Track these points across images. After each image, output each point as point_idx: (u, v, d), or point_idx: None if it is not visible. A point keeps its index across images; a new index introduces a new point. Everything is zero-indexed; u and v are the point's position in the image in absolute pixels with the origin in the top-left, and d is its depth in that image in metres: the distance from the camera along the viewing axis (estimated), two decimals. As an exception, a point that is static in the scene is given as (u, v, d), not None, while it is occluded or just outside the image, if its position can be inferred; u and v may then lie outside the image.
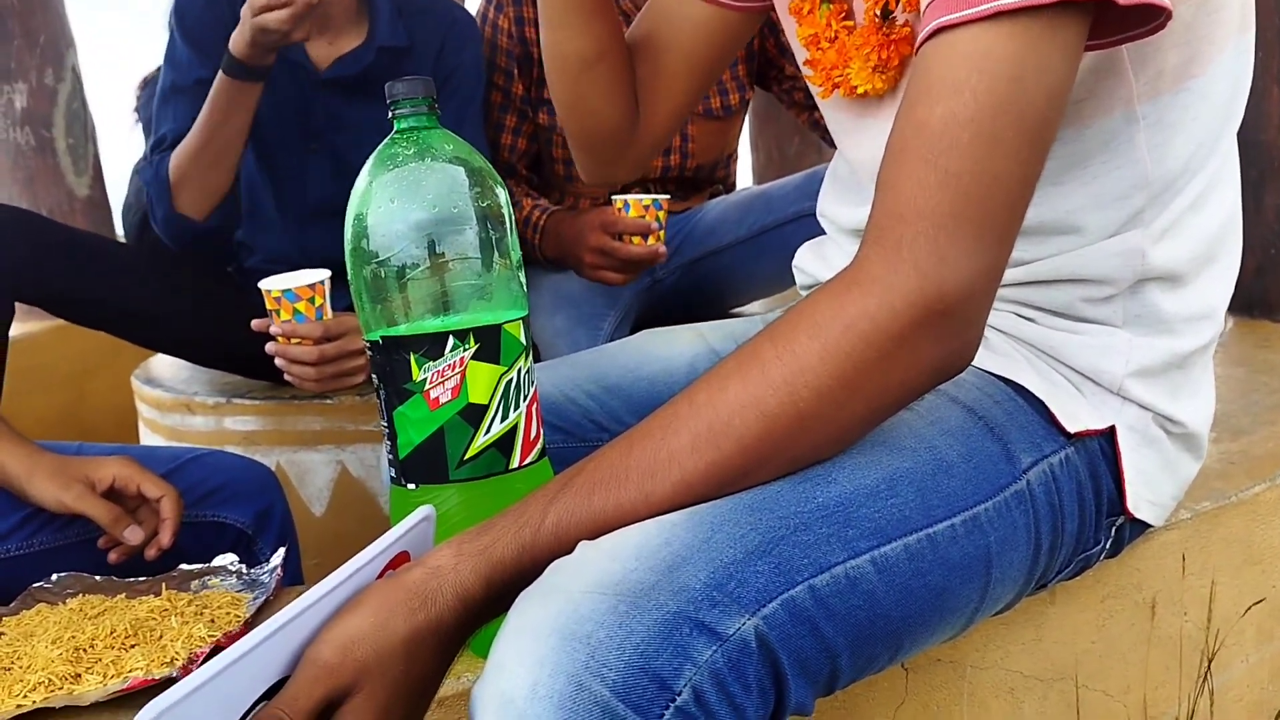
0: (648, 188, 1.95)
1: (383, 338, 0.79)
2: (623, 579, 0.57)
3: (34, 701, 0.81)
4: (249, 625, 0.92)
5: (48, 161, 2.80)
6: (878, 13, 0.79)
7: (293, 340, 1.45)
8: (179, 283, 1.71)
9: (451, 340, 0.78)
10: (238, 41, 1.48)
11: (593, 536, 0.62)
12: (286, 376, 1.51)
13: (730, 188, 2.09)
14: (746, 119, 2.08)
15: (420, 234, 0.77)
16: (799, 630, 0.60)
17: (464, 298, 0.79)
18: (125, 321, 1.68)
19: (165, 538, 1.09)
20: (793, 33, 0.89)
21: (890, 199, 0.61)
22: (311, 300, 1.42)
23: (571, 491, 0.63)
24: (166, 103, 1.67)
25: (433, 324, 0.79)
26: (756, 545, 0.60)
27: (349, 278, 0.81)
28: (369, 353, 0.81)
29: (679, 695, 0.55)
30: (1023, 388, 0.79)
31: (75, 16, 2.92)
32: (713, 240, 1.92)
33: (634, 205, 1.63)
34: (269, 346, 1.48)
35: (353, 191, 0.80)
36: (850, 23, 0.83)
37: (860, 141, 0.88)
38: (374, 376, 0.81)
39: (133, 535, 1.09)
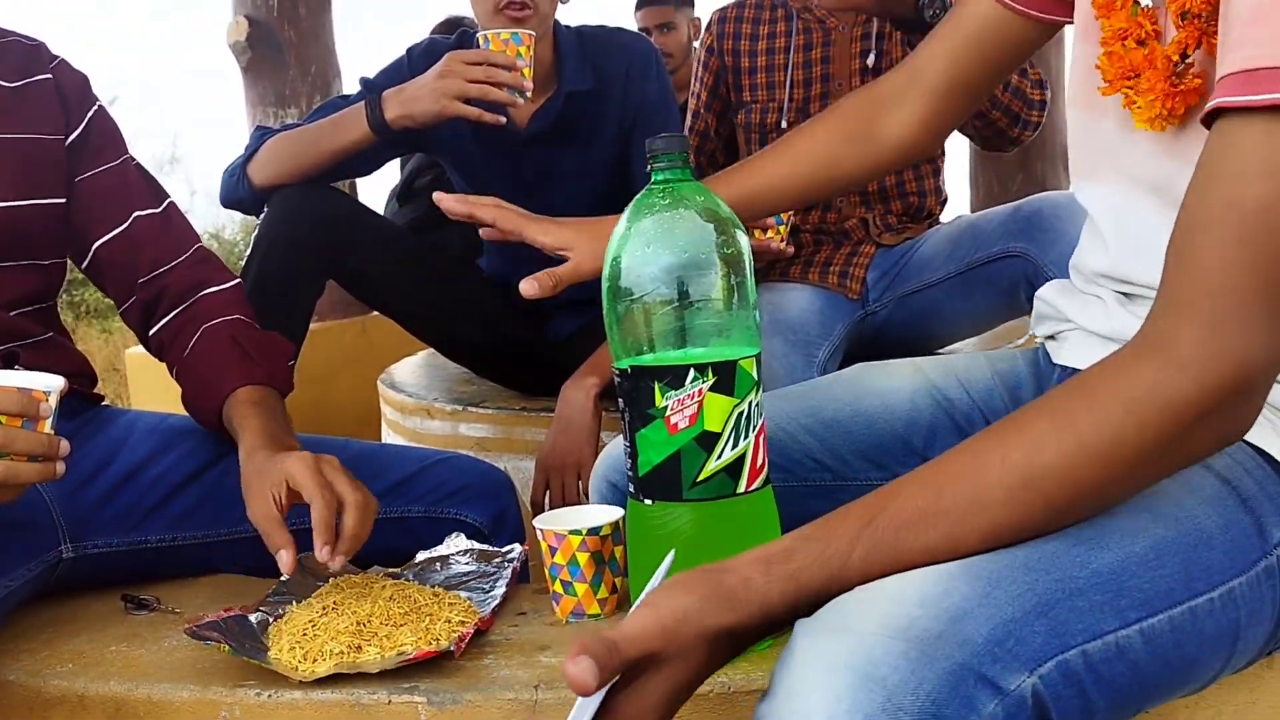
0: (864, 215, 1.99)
1: (631, 366, 0.88)
2: (909, 625, 0.60)
3: (329, 668, 0.94)
4: (495, 614, 1.03)
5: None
6: (1177, 58, 0.78)
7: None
8: (434, 268, 1.87)
9: (692, 373, 0.86)
10: (397, 108, 1.60)
11: (895, 573, 0.65)
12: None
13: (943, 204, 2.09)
14: (967, 154, 2.08)
15: (670, 276, 0.86)
16: (1069, 692, 0.63)
17: (705, 334, 0.87)
18: (394, 298, 1.84)
19: (334, 559, 1.00)
20: (1091, 29, 0.87)
21: (1195, 272, 0.63)
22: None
23: (878, 529, 0.66)
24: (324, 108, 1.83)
25: (675, 356, 0.87)
26: (1034, 605, 0.63)
27: (604, 311, 0.90)
28: (616, 379, 0.91)
29: None
30: (1270, 456, 0.79)
31: (342, 50, 3.25)
32: (926, 274, 1.93)
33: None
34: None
35: (611, 235, 0.89)
36: (1157, 43, 0.81)
37: (1115, 163, 0.87)
38: (619, 400, 0.91)
39: (281, 563, 1.01)
